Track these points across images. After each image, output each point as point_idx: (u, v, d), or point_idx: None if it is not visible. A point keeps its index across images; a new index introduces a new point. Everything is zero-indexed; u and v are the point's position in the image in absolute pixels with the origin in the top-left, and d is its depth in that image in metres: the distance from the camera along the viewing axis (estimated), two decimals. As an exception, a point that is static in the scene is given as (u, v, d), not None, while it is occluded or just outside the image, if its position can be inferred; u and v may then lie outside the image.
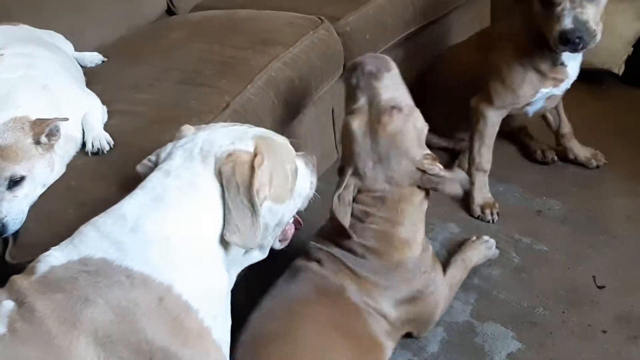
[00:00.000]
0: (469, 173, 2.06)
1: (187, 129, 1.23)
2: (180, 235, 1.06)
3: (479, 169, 2.02)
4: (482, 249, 1.82)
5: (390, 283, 1.47)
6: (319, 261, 1.48)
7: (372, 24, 2.05)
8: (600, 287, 1.73)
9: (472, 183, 2.05)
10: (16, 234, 1.34)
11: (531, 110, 1.97)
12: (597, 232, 1.92)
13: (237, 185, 1.08)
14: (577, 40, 1.63)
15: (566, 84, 1.88)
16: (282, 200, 1.20)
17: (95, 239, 1.04)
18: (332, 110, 2.10)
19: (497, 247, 1.88)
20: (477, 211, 2.03)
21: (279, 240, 1.31)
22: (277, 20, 1.98)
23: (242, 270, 1.24)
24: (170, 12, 2.37)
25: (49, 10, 1.98)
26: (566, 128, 2.15)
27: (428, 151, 1.52)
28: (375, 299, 1.46)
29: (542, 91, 1.87)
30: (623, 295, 1.69)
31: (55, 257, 1.04)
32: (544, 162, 2.23)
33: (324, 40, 1.90)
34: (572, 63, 1.84)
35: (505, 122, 2.02)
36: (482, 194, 2.05)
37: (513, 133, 2.34)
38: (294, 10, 2.06)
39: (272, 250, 1.30)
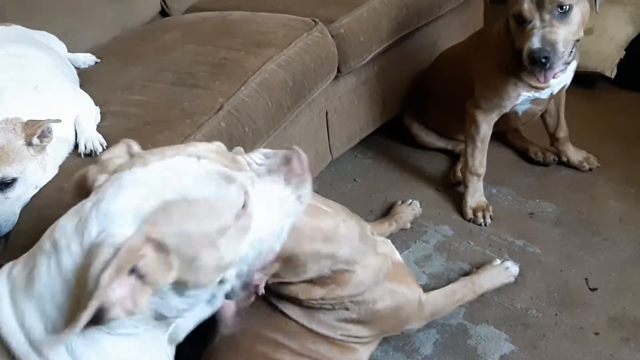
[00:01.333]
0: (464, 176, 2.07)
1: (119, 149, 1.02)
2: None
3: (472, 172, 2.03)
4: (497, 275, 1.75)
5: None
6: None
7: (366, 26, 2.05)
8: (592, 289, 1.74)
9: (465, 186, 2.06)
10: (8, 236, 1.33)
11: (520, 110, 1.98)
12: (590, 235, 1.92)
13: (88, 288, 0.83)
14: (544, 60, 1.63)
15: (549, 91, 1.88)
16: (205, 282, 0.91)
17: None
18: (326, 112, 2.10)
19: (489, 251, 1.89)
20: (469, 214, 2.04)
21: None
22: (270, 22, 1.97)
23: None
24: (164, 13, 2.37)
25: (43, 11, 1.97)
26: (562, 132, 2.15)
27: None
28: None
29: (525, 95, 1.86)
30: (615, 298, 1.70)
31: None
32: (545, 164, 2.24)
33: (317, 43, 1.90)
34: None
35: (501, 124, 2.03)
36: (475, 197, 2.05)
37: (507, 136, 2.35)
38: (288, 12, 2.06)
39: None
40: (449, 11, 2.40)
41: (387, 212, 2.09)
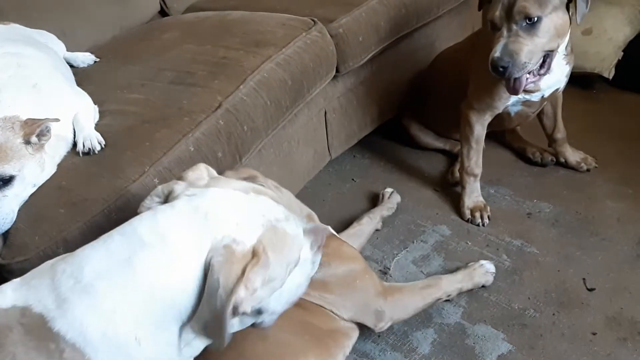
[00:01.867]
0: (461, 177, 2.08)
1: (201, 171, 1.11)
2: (132, 314, 0.94)
3: (469, 172, 2.03)
4: (474, 276, 1.76)
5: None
6: None
7: (365, 26, 2.05)
8: (590, 290, 1.74)
9: (462, 187, 2.07)
10: (6, 234, 1.33)
11: (512, 112, 1.98)
12: (588, 235, 1.93)
13: (218, 287, 0.93)
14: (502, 69, 1.63)
15: (540, 94, 1.88)
16: (261, 302, 1.05)
17: (44, 288, 0.95)
18: (325, 112, 2.10)
19: (487, 251, 1.90)
20: (467, 214, 2.04)
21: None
22: (269, 21, 1.97)
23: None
24: (163, 13, 2.37)
25: (42, 10, 1.98)
26: (559, 134, 2.16)
27: None
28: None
29: (516, 96, 1.86)
30: (613, 298, 1.70)
31: (4, 296, 0.97)
32: (542, 164, 2.24)
33: (316, 42, 1.90)
34: (543, 79, 1.82)
35: (495, 125, 2.03)
36: (472, 197, 2.05)
37: (504, 137, 2.35)
38: (287, 11, 2.06)
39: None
40: (448, 12, 2.41)
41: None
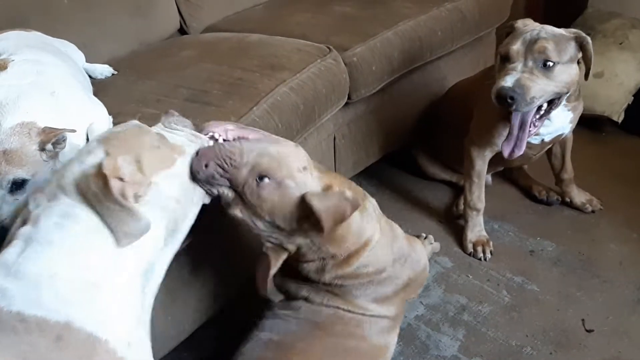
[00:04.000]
0: (464, 210, 2.09)
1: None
2: (68, 268, 1.02)
3: (471, 206, 2.05)
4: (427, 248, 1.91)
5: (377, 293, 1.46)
6: (305, 299, 1.45)
7: (379, 56, 2.08)
8: (589, 331, 1.74)
9: (465, 220, 2.08)
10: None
11: None
12: (589, 276, 1.93)
13: (99, 196, 1.05)
14: (510, 99, 1.64)
15: (540, 138, 1.90)
16: (171, 162, 1.19)
17: None
18: (334, 137, 2.13)
19: (487, 285, 1.90)
20: (469, 248, 2.05)
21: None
22: (286, 46, 2.01)
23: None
24: (182, 31, 2.42)
25: (65, 21, 2.02)
26: (567, 174, 2.17)
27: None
28: (366, 308, 1.45)
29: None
30: (611, 341, 1.70)
31: None
32: (548, 203, 2.25)
33: (330, 69, 1.94)
34: (546, 127, 1.85)
35: (498, 162, 2.05)
36: (475, 231, 2.06)
37: (511, 173, 2.37)
38: (304, 37, 2.10)
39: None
40: (461, 47, 2.44)
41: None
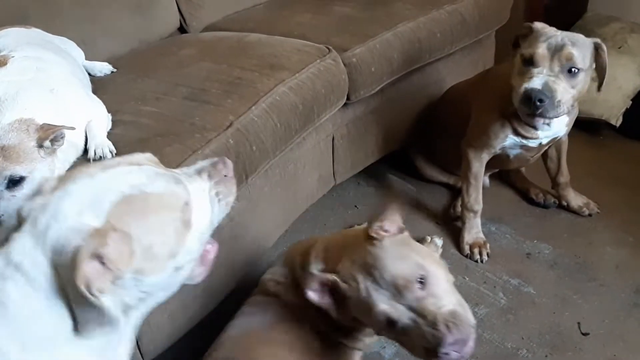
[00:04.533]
0: (461, 212, 2.10)
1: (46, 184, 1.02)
2: (17, 347, 0.91)
3: (468, 208, 2.05)
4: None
5: None
6: (276, 292, 1.47)
7: (378, 57, 2.09)
8: (584, 334, 1.74)
9: (462, 222, 2.08)
10: (11, 233, 1.35)
11: (511, 154, 2.00)
12: (585, 279, 1.93)
13: (71, 279, 0.89)
14: (539, 102, 1.65)
15: (537, 141, 1.91)
16: (159, 269, 0.98)
17: None
18: (333, 138, 2.13)
19: (484, 288, 1.91)
20: (466, 250, 2.05)
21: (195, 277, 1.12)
22: (285, 46, 2.01)
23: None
24: (182, 30, 2.42)
25: (65, 18, 2.02)
26: (563, 177, 2.18)
27: None
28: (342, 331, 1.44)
29: (512, 137, 1.89)
30: (607, 344, 1.70)
31: None
32: (545, 206, 2.25)
33: (329, 69, 1.94)
34: (543, 131, 1.86)
35: (495, 165, 2.05)
36: (472, 233, 2.07)
37: (509, 176, 2.37)
38: (303, 38, 2.10)
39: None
40: (461, 49, 2.45)
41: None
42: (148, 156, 1.08)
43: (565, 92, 1.67)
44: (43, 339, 0.93)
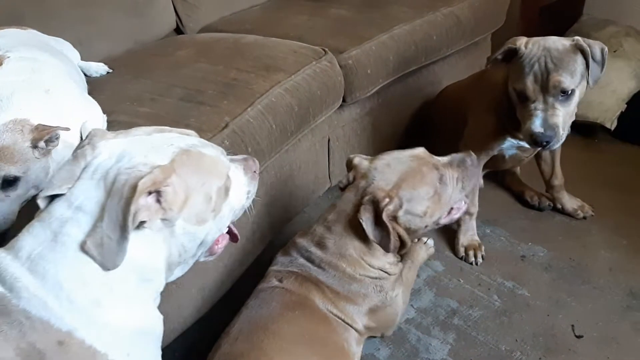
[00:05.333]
0: (457, 215, 2.10)
1: (101, 135, 1.11)
2: (74, 279, 0.99)
3: (464, 211, 2.05)
4: (423, 250, 1.93)
5: (348, 295, 1.53)
6: (280, 280, 1.53)
7: (374, 59, 2.09)
8: (578, 337, 1.75)
9: (458, 224, 2.08)
10: (5, 235, 1.34)
11: (507, 154, 2.01)
12: (579, 282, 1.94)
13: (120, 196, 0.98)
14: (545, 143, 1.68)
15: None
16: (201, 222, 1.11)
17: None
18: (328, 139, 2.13)
19: (478, 290, 1.91)
20: (461, 252, 2.06)
21: (205, 256, 1.25)
22: (282, 48, 2.02)
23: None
24: (178, 31, 2.42)
25: (61, 19, 2.02)
26: (557, 180, 2.19)
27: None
28: (339, 309, 1.51)
29: (510, 140, 1.91)
30: (600, 347, 1.71)
31: None
32: (539, 209, 2.26)
33: (325, 71, 1.94)
34: None
35: (489, 165, 2.06)
36: (467, 235, 2.07)
37: (504, 178, 2.38)
38: (300, 39, 2.11)
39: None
40: (456, 52, 2.46)
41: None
42: (193, 132, 1.20)
43: (566, 118, 1.69)
44: (89, 283, 1.00)
